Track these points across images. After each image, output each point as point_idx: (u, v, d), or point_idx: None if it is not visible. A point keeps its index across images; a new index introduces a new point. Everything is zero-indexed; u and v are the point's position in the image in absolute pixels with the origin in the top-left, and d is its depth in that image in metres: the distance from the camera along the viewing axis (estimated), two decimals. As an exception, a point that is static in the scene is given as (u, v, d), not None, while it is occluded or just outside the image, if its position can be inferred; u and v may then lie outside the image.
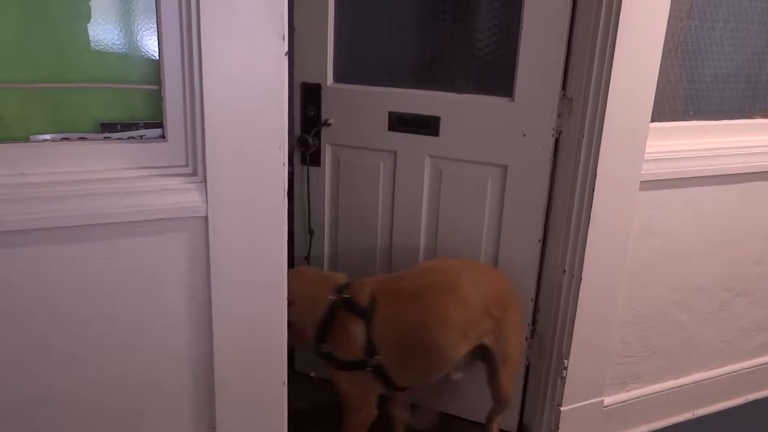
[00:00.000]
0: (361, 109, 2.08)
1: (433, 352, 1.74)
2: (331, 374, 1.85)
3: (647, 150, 1.84)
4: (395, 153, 2.09)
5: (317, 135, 2.15)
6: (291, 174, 2.22)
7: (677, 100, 2.00)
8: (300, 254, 2.31)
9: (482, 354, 1.85)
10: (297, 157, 2.21)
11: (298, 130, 2.17)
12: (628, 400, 2.17)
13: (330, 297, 1.77)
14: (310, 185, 2.22)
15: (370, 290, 1.78)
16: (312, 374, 2.46)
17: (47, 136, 1.35)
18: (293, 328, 1.76)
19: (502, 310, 1.80)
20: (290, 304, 1.71)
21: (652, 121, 1.83)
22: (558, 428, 2.03)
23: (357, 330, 1.74)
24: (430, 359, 1.76)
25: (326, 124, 2.13)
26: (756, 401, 2.45)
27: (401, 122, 2.05)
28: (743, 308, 2.30)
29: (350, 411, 1.85)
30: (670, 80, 1.95)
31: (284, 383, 1.61)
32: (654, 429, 2.26)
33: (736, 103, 2.13)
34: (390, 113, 2.05)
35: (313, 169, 2.20)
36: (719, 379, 2.34)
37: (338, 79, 2.11)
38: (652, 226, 1.99)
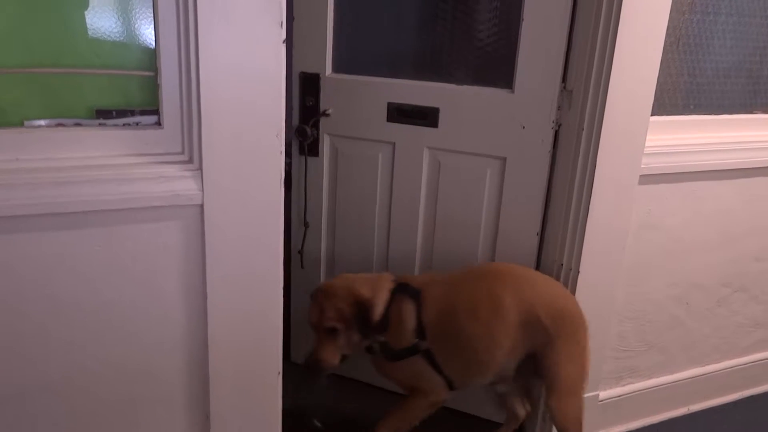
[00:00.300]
0: (360, 99, 2.07)
1: (474, 341, 1.72)
2: (388, 373, 1.84)
3: (647, 144, 1.83)
4: (394, 144, 2.08)
5: (315, 125, 2.14)
6: (288, 165, 2.21)
7: (678, 93, 1.99)
8: (294, 248, 2.30)
9: (535, 370, 1.78)
10: (295, 147, 2.20)
11: (296, 120, 2.16)
12: (623, 395, 2.17)
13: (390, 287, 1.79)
14: (307, 176, 2.21)
15: (421, 278, 1.83)
16: (308, 365, 2.45)
17: (42, 122, 1.34)
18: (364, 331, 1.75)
19: (558, 328, 1.71)
20: (367, 306, 1.73)
21: (652, 115, 1.82)
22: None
23: (409, 311, 1.74)
24: (471, 349, 1.73)
25: (325, 114, 2.12)
26: (752, 397, 2.45)
27: (400, 113, 2.04)
28: (741, 304, 2.30)
29: (419, 394, 1.80)
30: (670, 74, 1.94)
31: (279, 373, 1.61)
32: (649, 424, 2.26)
33: (737, 97, 2.12)
34: (389, 104, 2.04)
35: (311, 160, 2.19)
36: (715, 374, 2.34)
37: (337, 69, 2.10)
38: (651, 221, 1.98)
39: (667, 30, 1.73)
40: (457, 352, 1.74)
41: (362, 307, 1.73)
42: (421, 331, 1.73)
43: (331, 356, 1.75)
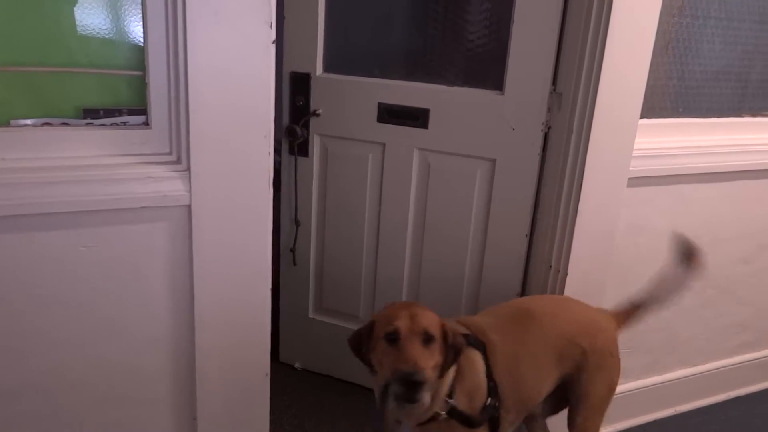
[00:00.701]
0: (350, 99, 2.07)
1: (530, 387, 1.57)
2: None
3: (636, 146, 1.84)
4: (384, 145, 2.07)
5: (306, 125, 2.13)
6: (278, 164, 2.20)
7: (667, 97, 2.00)
8: (286, 246, 2.30)
9: (564, 392, 1.68)
10: (285, 147, 2.19)
11: (286, 120, 2.15)
12: (611, 396, 2.18)
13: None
14: (297, 176, 2.20)
15: (465, 324, 1.54)
16: (296, 365, 2.45)
17: (28, 121, 1.33)
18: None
19: (594, 352, 1.61)
20: (460, 343, 1.41)
21: (641, 118, 1.82)
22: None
23: (480, 365, 1.47)
24: (527, 395, 1.57)
25: (315, 114, 2.11)
26: (738, 398, 2.47)
27: (390, 114, 2.03)
28: (727, 306, 2.31)
29: None
30: (660, 77, 1.95)
31: (267, 374, 1.60)
32: (636, 425, 2.27)
33: (726, 101, 2.13)
34: (379, 104, 2.03)
35: (301, 160, 2.18)
36: (702, 375, 2.36)
37: (328, 68, 2.09)
38: (640, 223, 1.99)
39: (657, 33, 1.74)
40: (516, 403, 1.55)
41: (456, 343, 1.40)
42: (493, 387, 1.48)
43: (432, 366, 1.34)
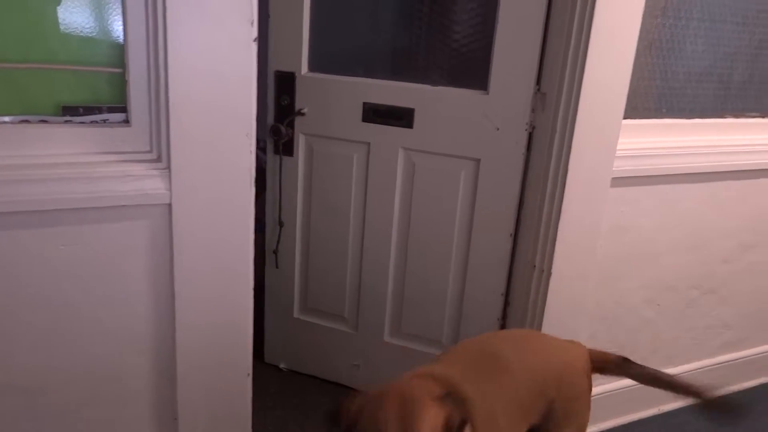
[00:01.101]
0: (335, 99, 2.06)
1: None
2: None
3: (619, 147, 1.85)
4: (369, 144, 2.07)
5: (291, 124, 2.13)
6: (263, 164, 2.20)
7: (650, 97, 2.01)
8: (272, 246, 2.29)
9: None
10: (270, 146, 2.18)
11: (271, 119, 2.14)
12: (594, 396, 2.17)
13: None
14: (282, 176, 2.20)
15: (435, 378, 1.33)
16: (281, 366, 2.44)
17: (6, 118, 1.31)
18: None
19: (560, 391, 1.47)
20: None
21: (624, 118, 1.83)
22: (525, 422, 2.03)
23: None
24: None
25: (300, 113, 2.11)
26: (721, 397, 2.49)
27: (375, 113, 2.03)
28: (710, 306, 2.33)
29: None
30: (643, 77, 1.96)
31: (249, 374, 1.60)
32: (620, 424, 2.28)
33: (709, 101, 2.14)
34: (364, 104, 2.03)
35: (285, 159, 2.17)
36: (686, 375, 2.37)
37: (313, 68, 2.09)
38: (623, 223, 2.00)
39: (640, 34, 1.75)
40: None
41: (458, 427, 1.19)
42: None
43: None
